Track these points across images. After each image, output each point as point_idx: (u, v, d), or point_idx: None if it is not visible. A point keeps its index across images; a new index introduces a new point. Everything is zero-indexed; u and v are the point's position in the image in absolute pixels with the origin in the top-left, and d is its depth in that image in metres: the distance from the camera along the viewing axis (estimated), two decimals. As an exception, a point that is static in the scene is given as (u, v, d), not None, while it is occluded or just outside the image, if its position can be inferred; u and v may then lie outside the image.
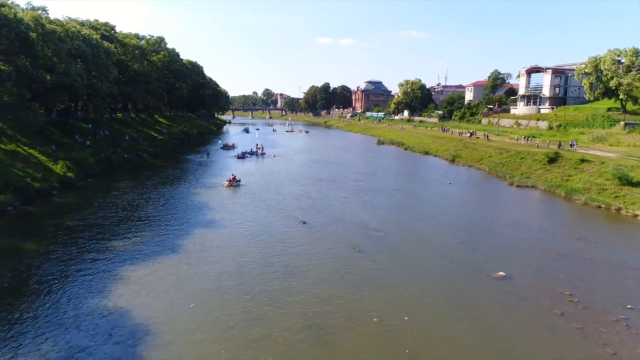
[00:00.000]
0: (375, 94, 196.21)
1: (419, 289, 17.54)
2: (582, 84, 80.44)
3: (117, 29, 74.33)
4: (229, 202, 33.12)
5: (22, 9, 49.99)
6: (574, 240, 23.99)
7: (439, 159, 62.27)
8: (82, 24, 60.72)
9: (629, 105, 71.62)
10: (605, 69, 73.46)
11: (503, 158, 51.39)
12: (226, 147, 75.73)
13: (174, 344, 13.30)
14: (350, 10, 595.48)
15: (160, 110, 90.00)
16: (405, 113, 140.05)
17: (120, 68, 65.23)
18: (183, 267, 19.50)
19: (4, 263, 19.08)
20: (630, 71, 67.47)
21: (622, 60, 71.87)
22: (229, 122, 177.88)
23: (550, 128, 77.78)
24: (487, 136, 68.17)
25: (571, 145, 54.22)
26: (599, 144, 58.56)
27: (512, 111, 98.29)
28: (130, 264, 19.62)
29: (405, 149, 74.64)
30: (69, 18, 60.73)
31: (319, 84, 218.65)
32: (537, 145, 55.18)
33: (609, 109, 76.54)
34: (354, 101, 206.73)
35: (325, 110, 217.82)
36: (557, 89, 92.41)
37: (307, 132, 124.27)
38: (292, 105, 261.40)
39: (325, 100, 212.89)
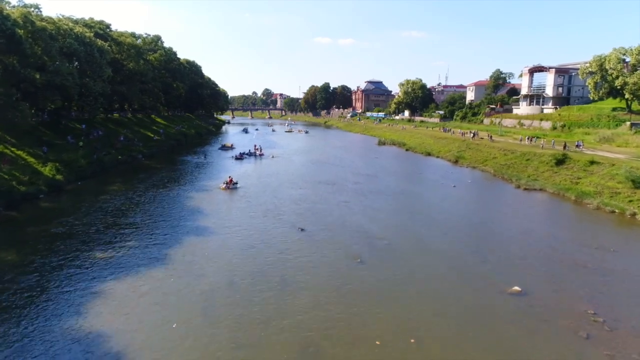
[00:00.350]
0: (376, 94, 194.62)
1: (426, 307, 16.02)
2: (587, 84, 78.92)
3: (117, 29, 73.05)
4: (223, 206, 31.59)
5: (13, 6, 48.60)
6: (590, 249, 22.44)
7: (441, 160, 60.72)
8: (75, 22, 59.22)
9: (635, 105, 70.08)
10: (610, 68, 71.92)
11: (508, 159, 49.86)
12: (224, 148, 74.25)
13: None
14: (350, 10, 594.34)
15: (157, 111, 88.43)
16: (406, 113, 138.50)
17: (115, 67, 63.69)
18: (169, 280, 17.98)
19: (-25, 276, 17.60)
20: (636, 70, 65.88)
21: (628, 59, 70.27)
22: (228, 122, 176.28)
23: (554, 128, 76.21)
24: (491, 137, 66.64)
25: (577, 146, 52.67)
26: (606, 144, 56.99)
27: (515, 111, 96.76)
28: (112, 277, 18.09)
29: (407, 150, 73.09)
30: (63, 16, 59.19)
31: (319, 84, 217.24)
32: (542, 146, 53.64)
33: (614, 109, 74.94)
34: (354, 101, 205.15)
35: (325, 110, 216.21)
36: (560, 89, 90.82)
37: (306, 132, 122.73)
38: (291, 105, 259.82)
39: (325, 100, 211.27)
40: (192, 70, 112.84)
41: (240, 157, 60.67)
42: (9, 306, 15.36)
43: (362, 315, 15.14)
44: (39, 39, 43.17)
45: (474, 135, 70.62)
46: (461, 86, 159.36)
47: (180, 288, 17.20)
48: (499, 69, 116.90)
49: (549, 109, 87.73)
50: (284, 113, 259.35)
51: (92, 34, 55.32)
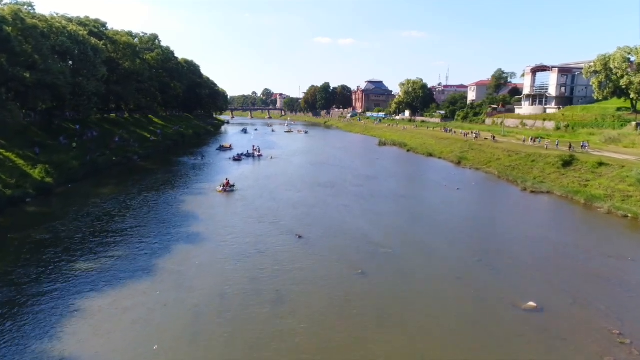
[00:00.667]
0: (376, 94, 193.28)
1: (433, 325, 14.68)
2: (591, 83, 77.70)
3: (113, 27, 71.81)
4: (218, 210, 30.24)
5: (5, 4, 47.32)
6: (606, 257, 21.10)
7: (443, 161, 59.36)
8: (69, 20, 57.88)
9: (640, 105, 68.77)
10: (615, 67, 70.63)
11: (512, 161, 48.52)
12: (222, 149, 72.93)
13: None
14: (350, 10, 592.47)
15: (154, 111, 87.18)
16: (407, 113, 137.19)
17: (110, 66, 62.41)
18: (155, 293, 16.65)
19: (-54, 290, 16.28)
20: (642, 69, 64.63)
21: (633, 59, 68.95)
22: (227, 123, 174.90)
23: (558, 128, 74.89)
24: (494, 137, 65.26)
25: (582, 147, 51.31)
26: (612, 145, 55.64)
27: (517, 111, 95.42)
28: (95, 290, 16.76)
29: (408, 151, 71.73)
30: (57, 14, 57.86)
31: (319, 83, 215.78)
32: (546, 147, 52.27)
33: (619, 109, 73.61)
34: (354, 101, 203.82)
35: (325, 111, 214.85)
36: (563, 88, 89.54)
37: (306, 132, 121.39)
38: (291, 105, 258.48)
39: (325, 100, 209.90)
40: (190, 69, 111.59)
41: (238, 158, 59.39)
42: (-22, 324, 14.05)
43: (365, 336, 13.79)
44: (30, 37, 41.88)
45: (476, 136, 69.27)
46: (462, 86, 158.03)
47: (167, 303, 15.85)
48: (500, 69, 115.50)
49: (551, 109, 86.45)
50: (283, 113, 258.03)
51: (86, 33, 54.00)
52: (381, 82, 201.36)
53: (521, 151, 50.61)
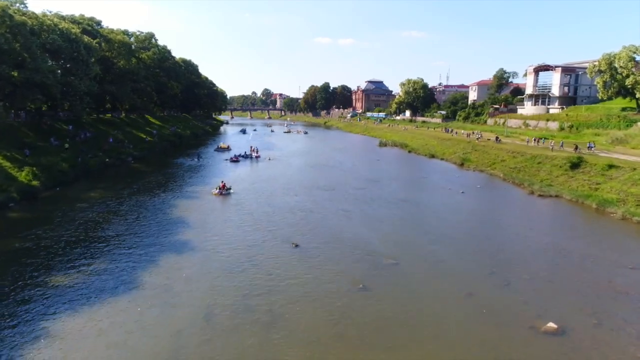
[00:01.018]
0: (376, 94, 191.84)
1: (443, 349, 13.15)
2: (595, 83, 76.27)
3: (113, 27, 70.35)
4: (211, 216, 28.67)
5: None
6: (627, 269, 19.56)
7: (446, 162, 57.84)
8: (62, 17, 56.34)
9: (645, 105, 67.34)
10: (620, 66, 69.27)
11: (518, 162, 47.02)
12: (220, 150, 71.54)
13: None
14: (350, 10, 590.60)
15: (151, 111, 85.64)
16: (407, 113, 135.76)
17: (104, 65, 60.96)
18: (135, 311, 15.14)
19: None
20: (648, 68, 63.17)
21: (638, 58, 67.49)
22: (226, 123, 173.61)
23: (562, 129, 73.46)
24: (498, 138, 63.74)
25: (589, 148, 49.82)
26: (619, 146, 54.12)
27: (520, 111, 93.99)
28: (70, 307, 15.25)
29: (409, 152, 70.21)
30: (50, 12, 56.33)
31: (319, 83, 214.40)
32: (552, 148, 50.71)
33: (623, 109, 72.12)
34: (354, 101, 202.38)
35: (325, 111, 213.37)
36: (566, 88, 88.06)
37: (305, 133, 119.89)
38: (291, 105, 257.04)
39: (325, 100, 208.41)
40: (188, 69, 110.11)
41: (235, 160, 57.96)
42: None
43: (367, 362, 12.31)
44: (18, 35, 40.32)
45: (479, 137, 67.74)
46: (463, 86, 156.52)
47: (148, 323, 14.34)
48: (502, 68, 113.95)
49: (555, 109, 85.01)
50: (283, 113, 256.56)
51: (79, 31, 52.43)
52: (381, 82, 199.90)
53: (526, 152, 49.13)
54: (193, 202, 32.83)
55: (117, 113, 77.34)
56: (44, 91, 43.22)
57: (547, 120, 78.95)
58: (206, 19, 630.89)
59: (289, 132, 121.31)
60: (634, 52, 67.13)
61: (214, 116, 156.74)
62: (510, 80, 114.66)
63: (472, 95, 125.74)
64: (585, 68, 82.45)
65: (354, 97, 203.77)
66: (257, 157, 61.42)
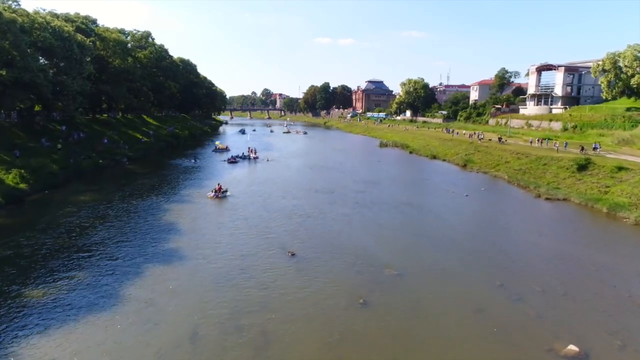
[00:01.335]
0: (376, 94, 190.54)
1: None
2: (600, 82, 75.02)
3: (110, 26, 69.11)
4: (203, 221, 27.34)
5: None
6: (646, 281, 18.31)
7: (448, 163, 56.52)
8: (55, 15, 55.06)
9: (651, 105, 66.05)
10: (625, 65, 68.10)
11: (522, 164, 45.69)
12: (218, 150, 70.28)
13: None
14: (350, 10, 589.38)
15: (148, 111, 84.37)
16: (408, 113, 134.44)
17: (99, 64, 59.70)
18: (115, 329, 13.84)
19: None
20: (654, 68, 61.91)
21: (644, 57, 66.21)
22: (226, 123, 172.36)
23: (565, 129, 72.20)
24: (501, 138, 62.41)
25: (594, 149, 48.53)
26: (626, 147, 52.78)
27: (522, 111, 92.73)
28: (44, 325, 13.94)
29: (410, 153, 68.88)
30: (44, 10, 55.06)
31: (319, 83, 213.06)
32: (557, 149, 49.36)
33: (628, 109, 70.85)
34: (354, 101, 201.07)
35: (325, 111, 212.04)
36: (569, 88, 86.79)
37: (305, 133, 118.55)
38: (291, 105, 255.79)
39: (325, 100, 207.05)
40: (186, 69, 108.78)
41: (233, 161, 56.74)
42: None
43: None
44: (8, 32, 39.05)
45: (481, 138, 66.39)
46: (463, 86, 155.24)
47: (127, 343, 13.04)
48: (504, 68, 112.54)
49: (558, 109, 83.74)
50: (283, 113, 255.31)
51: (72, 29, 51.14)
52: (382, 82, 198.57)
53: (530, 153, 47.81)
54: (187, 206, 31.55)
55: (113, 113, 76.07)
56: (34, 91, 41.99)
57: (550, 120, 77.66)
58: (206, 19, 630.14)
59: (288, 132, 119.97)
60: (639, 51, 65.90)
61: (213, 116, 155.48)
62: (511, 80, 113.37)
63: (474, 95, 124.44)
64: (589, 67, 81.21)
65: (354, 97, 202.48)
66: (255, 158, 60.16)
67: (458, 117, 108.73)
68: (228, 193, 35.18)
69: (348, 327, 14.13)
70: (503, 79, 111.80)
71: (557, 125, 74.43)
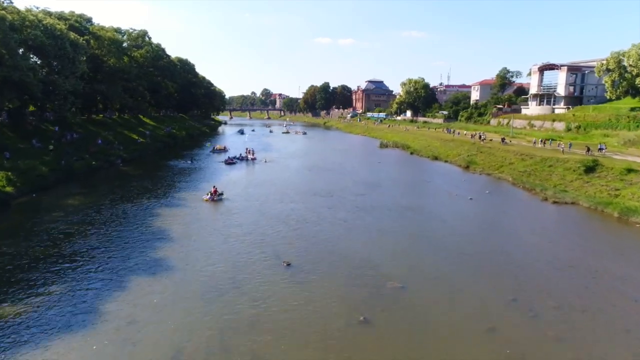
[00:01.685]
0: (377, 94, 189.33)
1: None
2: (604, 82, 73.81)
3: (106, 25, 67.84)
4: (196, 227, 25.99)
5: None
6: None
7: (450, 165, 55.21)
8: (48, 13, 53.78)
9: (656, 105, 64.79)
10: (630, 65, 66.88)
11: (527, 165, 44.38)
12: (216, 151, 69.01)
13: None
14: (350, 10, 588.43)
15: (144, 111, 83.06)
16: (408, 113, 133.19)
17: (94, 63, 58.38)
18: (89, 349, 12.57)
19: None
20: (660, 67, 60.64)
21: (649, 56, 64.95)
22: (225, 123, 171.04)
23: (569, 130, 71.00)
24: (504, 139, 61.08)
25: (600, 150, 47.25)
26: (633, 148, 51.56)
27: (524, 111, 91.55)
28: (12, 346, 12.64)
29: (411, 153, 67.57)
30: (37, 8, 53.77)
31: (319, 83, 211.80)
32: (563, 150, 48.06)
33: (633, 109, 69.64)
34: (354, 101, 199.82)
35: (324, 111, 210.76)
36: (572, 88, 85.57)
37: (304, 133, 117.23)
38: (290, 105, 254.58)
39: (324, 100, 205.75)
40: (184, 68, 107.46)
41: (231, 162, 55.53)
42: None
43: None
44: (-4, 29, 37.78)
45: (483, 138, 65.02)
46: (464, 86, 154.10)
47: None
48: (505, 67, 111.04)
49: (560, 109, 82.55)
50: (282, 113, 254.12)
51: (65, 27, 49.83)
52: (382, 81, 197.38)
53: (535, 154, 46.52)
54: (180, 210, 30.25)
55: (109, 113, 74.75)
56: (24, 90, 40.70)
57: (553, 120, 76.47)
58: (206, 19, 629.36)
59: (287, 132, 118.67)
60: (645, 50, 64.65)
61: (212, 116, 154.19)
62: (513, 79, 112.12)
63: (475, 95, 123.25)
64: (592, 67, 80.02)
65: (354, 97, 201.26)
66: (253, 159, 58.90)
67: (459, 117, 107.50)
68: (224, 196, 33.99)
69: (346, 350, 12.79)
70: (504, 79, 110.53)
71: (560, 126, 73.22)
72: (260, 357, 12.38)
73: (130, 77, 67.74)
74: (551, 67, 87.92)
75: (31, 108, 52.76)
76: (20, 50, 43.57)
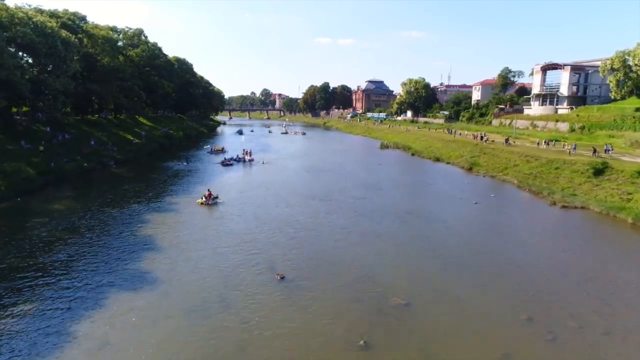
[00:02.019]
0: (377, 94, 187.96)
1: None
2: (608, 81, 72.48)
3: (104, 24, 66.49)
4: (185, 235, 24.46)
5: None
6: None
7: (452, 166, 53.76)
8: (40, 11, 52.32)
9: (662, 105, 63.37)
10: (635, 64, 65.63)
11: (532, 167, 42.92)
12: (214, 152, 67.62)
13: None
14: (350, 10, 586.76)
15: (141, 111, 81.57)
16: (409, 114, 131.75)
17: (87, 63, 56.95)
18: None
19: None
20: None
21: (654, 56, 63.70)
22: (224, 123, 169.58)
23: (572, 130, 69.63)
24: (507, 140, 59.62)
25: (606, 151, 45.78)
26: (640, 149, 50.12)
27: (526, 111, 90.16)
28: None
29: (413, 154, 66.12)
30: (29, 6, 52.33)
31: (319, 84, 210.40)
32: (569, 152, 46.54)
33: (638, 109, 68.17)
34: (354, 101, 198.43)
35: (324, 111, 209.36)
36: (575, 88, 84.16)
37: (304, 134, 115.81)
38: (290, 105, 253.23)
39: (324, 101, 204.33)
40: (181, 68, 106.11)
41: (228, 163, 54.14)
42: None
43: None
44: (-18, 27, 36.41)
45: (486, 139, 63.50)
46: (465, 86, 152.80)
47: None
48: (507, 67, 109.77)
49: (563, 109, 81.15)
50: (282, 114, 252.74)
51: (56, 25, 48.36)
52: (382, 81, 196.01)
53: (540, 156, 45.06)
54: (171, 215, 28.78)
55: (105, 114, 73.32)
56: (12, 89, 39.27)
57: (557, 121, 75.05)
58: (206, 19, 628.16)
59: (286, 133, 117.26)
60: (650, 50, 63.39)
61: (211, 117, 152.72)
62: (515, 79, 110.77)
63: (476, 95, 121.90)
64: (595, 67, 78.71)
65: (354, 97, 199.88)
66: (250, 160, 57.50)
67: (460, 118, 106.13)
68: (219, 200, 32.60)
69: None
70: (506, 79, 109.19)
71: (563, 126, 71.83)
72: (246, 390, 10.94)
73: (126, 76, 66.34)
74: (554, 66, 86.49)
75: (24, 108, 51.38)
76: (12, 49, 42.26)
